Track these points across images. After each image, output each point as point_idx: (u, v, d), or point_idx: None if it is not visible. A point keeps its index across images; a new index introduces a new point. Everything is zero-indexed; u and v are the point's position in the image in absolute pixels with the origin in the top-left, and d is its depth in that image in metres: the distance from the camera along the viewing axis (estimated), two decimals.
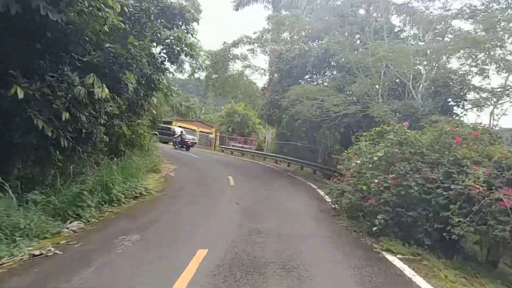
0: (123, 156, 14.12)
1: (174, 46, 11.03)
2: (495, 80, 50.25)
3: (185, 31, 14.51)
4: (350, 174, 9.36)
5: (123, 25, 9.06)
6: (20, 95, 6.50)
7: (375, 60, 14.91)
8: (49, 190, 8.31)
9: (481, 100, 13.65)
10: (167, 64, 12.02)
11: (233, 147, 35.20)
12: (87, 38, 9.30)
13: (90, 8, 7.74)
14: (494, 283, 5.98)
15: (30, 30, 7.76)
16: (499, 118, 13.08)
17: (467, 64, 14.46)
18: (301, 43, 19.06)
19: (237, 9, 34.15)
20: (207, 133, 44.84)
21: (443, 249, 6.62)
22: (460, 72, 14.26)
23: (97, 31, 9.10)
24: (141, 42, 9.87)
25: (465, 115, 13.35)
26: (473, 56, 14.16)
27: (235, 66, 27.33)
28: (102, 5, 7.94)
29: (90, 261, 5.61)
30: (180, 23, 14.63)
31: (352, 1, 19.98)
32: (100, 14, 8.06)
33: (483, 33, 13.43)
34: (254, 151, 32.78)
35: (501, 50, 13.74)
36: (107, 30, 9.62)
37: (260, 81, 28.68)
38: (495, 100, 13.40)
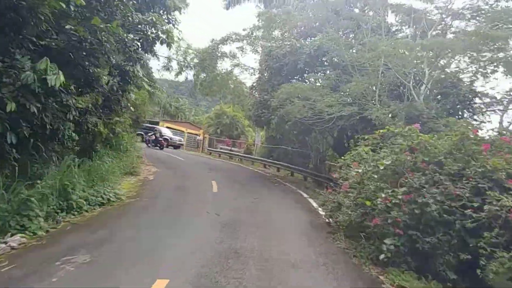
0: (94, 157, 12.65)
1: (149, 33, 9.48)
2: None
3: (166, 20, 13.00)
4: (348, 184, 7.90)
5: (82, 1, 7.54)
6: None
7: (373, 57, 13.54)
8: None
9: (493, 103, 12.34)
10: (141, 53, 10.41)
11: (221, 150, 33.64)
12: (42, 17, 7.72)
13: None
14: None
15: None
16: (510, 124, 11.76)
17: (474, 65, 13.19)
18: (292, 39, 17.63)
19: (227, 8, 32.77)
20: (196, 134, 43.25)
21: (472, 286, 5.16)
22: (468, 73, 12.94)
23: (57, 10, 7.59)
24: (108, 25, 8.30)
25: (475, 120, 11.98)
26: (480, 56, 12.94)
27: (224, 65, 25.88)
28: None
29: None
30: (161, 12, 13.13)
31: None
32: None
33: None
34: (242, 154, 31.26)
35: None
36: (65, 8, 8.10)
37: (250, 81, 27.54)
38: (505, 103, 12.12)
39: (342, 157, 9.43)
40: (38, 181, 7.82)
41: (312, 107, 14.93)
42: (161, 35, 9.96)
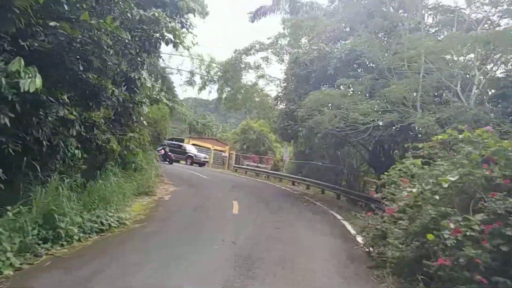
0: (100, 176, 11.47)
1: (151, 32, 8.18)
2: None
3: (178, 23, 11.78)
4: (397, 207, 6.10)
5: None
6: None
7: (415, 56, 11.70)
8: None
9: None
10: (144, 56, 9.08)
11: (247, 167, 32.10)
12: (18, 10, 6.51)
13: None
14: None
15: None
16: None
17: None
18: (320, 44, 16.04)
19: (252, 21, 31.78)
20: (221, 151, 42.03)
21: None
22: None
23: (40, 5, 6.41)
24: (100, 21, 7.02)
25: None
26: None
27: (248, 77, 24.57)
28: None
29: None
30: (174, 15, 11.92)
31: None
32: None
33: None
34: (269, 171, 29.59)
35: None
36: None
37: (276, 92, 26.00)
38: None
39: (386, 173, 7.60)
40: (9, 207, 6.47)
41: (345, 117, 13.18)
42: (166, 34, 8.63)
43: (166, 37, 8.71)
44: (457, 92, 12.17)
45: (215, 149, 42.56)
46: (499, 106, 10.69)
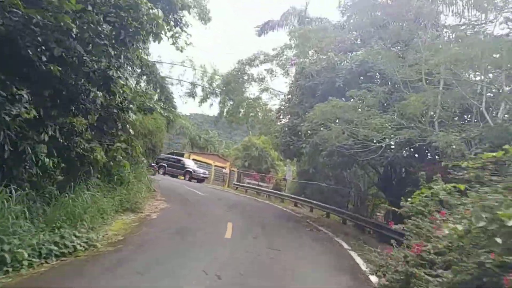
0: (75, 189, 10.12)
1: (129, 19, 6.84)
2: None
3: (172, 20, 10.51)
4: (431, 248, 4.57)
5: None
6: None
7: (433, 67, 10.33)
8: None
9: None
10: (121, 48, 7.71)
11: (248, 185, 30.54)
12: None
13: None
14: None
15: None
16: None
17: None
18: (329, 53, 14.73)
19: (259, 35, 30.90)
20: (222, 167, 40.53)
21: None
22: None
23: None
24: None
25: None
26: None
27: (251, 89, 23.24)
28: None
29: None
30: (165, 11, 10.66)
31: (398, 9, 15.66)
32: None
33: None
34: (270, 190, 27.99)
35: None
36: None
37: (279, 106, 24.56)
38: None
39: (409, 200, 6.09)
40: None
41: (354, 133, 11.74)
42: (146, 23, 7.28)
43: (146, 27, 7.35)
44: (479, 109, 10.71)
45: (216, 165, 41.08)
46: None
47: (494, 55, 9.67)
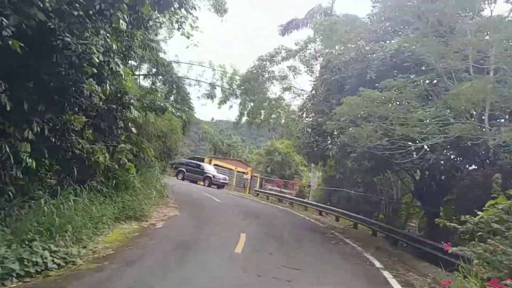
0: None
1: None
2: None
3: (175, 1, 9.06)
4: None
5: None
6: None
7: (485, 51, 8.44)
8: None
9: None
10: (98, 23, 6.24)
11: (269, 191, 28.84)
12: None
13: None
14: None
15: None
16: None
17: None
18: (359, 42, 12.95)
19: (283, 35, 29.55)
20: (244, 172, 39.01)
21: None
22: None
23: None
24: None
25: None
26: None
27: (272, 89, 21.58)
28: None
29: None
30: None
31: None
32: None
33: None
34: (293, 197, 26.20)
35: None
36: None
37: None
38: None
39: (479, 213, 4.31)
40: None
41: (390, 131, 9.93)
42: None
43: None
44: None
45: (238, 171, 39.65)
46: None
47: None
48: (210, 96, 25.44)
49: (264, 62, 19.08)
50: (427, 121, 9.03)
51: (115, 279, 6.05)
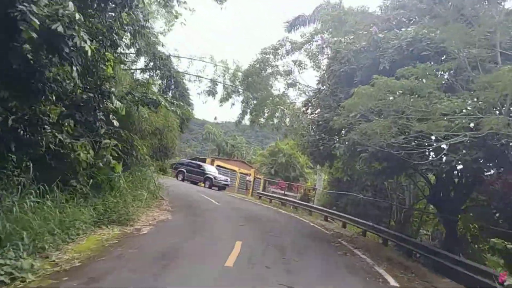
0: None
1: None
2: None
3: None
4: None
5: None
6: None
7: None
8: None
9: None
10: None
11: (272, 194, 27.48)
12: None
13: None
14: None
15: None
16: None
17: None
18: (371, 29, 11.61)
19: (289, 31, 28.29)
20: (247, 174, 37.69)
21: None
22: None
23: None
24: None
25: None
26: None
27: (276, 85, 20.26)
28: None
29: None
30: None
31: None
32: None
33: None
34: (297, 200, 24.82)
35: None
36: None
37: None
38: None
39: None
40: None
41: (407, 128, 8.57)
42: None
43: None
44: None
45: (241, 172, 38.34)
46: None
47: None
48: (211, 93, 24.21)
49: (268, 56, 17.77)
50: (453, 115, 7.66)
51: None
